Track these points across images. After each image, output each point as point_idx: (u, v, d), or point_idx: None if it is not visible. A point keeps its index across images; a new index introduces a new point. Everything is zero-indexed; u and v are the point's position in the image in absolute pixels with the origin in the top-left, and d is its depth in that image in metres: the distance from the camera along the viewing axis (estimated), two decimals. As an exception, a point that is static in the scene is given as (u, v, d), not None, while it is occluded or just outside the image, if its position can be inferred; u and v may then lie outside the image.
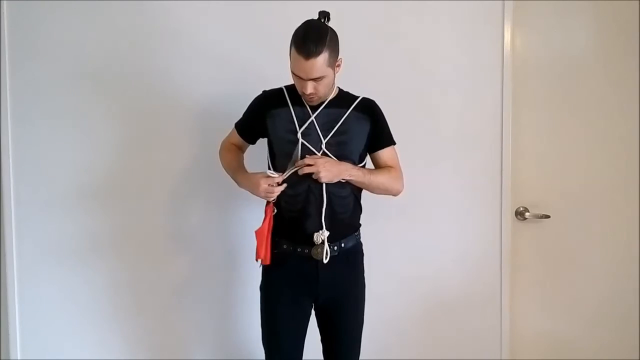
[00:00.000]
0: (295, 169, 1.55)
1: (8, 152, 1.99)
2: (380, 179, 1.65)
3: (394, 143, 1.72)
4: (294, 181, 1.57)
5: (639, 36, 2.14)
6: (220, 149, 1.77)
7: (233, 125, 1.74)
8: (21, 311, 2.03)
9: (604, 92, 2.16)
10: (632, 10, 2.14)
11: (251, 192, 1.59)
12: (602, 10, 2.15)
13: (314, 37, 1.47)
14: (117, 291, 2.04)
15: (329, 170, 1.54)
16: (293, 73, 1.52)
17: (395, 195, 1.72)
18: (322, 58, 1.47)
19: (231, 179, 1.73)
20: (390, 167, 1.70)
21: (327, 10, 1.56)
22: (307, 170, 1.53)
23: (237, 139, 1.73)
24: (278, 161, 1.62)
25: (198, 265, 2.05)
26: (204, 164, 1.97)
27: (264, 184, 1.54)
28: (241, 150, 1.77)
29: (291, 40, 1.50)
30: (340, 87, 1.68)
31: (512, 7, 2.07)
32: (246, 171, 1.69)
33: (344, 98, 1.65)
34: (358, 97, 1.67)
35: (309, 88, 1.51)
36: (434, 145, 2.09)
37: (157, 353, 2.06)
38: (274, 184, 1.54)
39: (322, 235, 1.56)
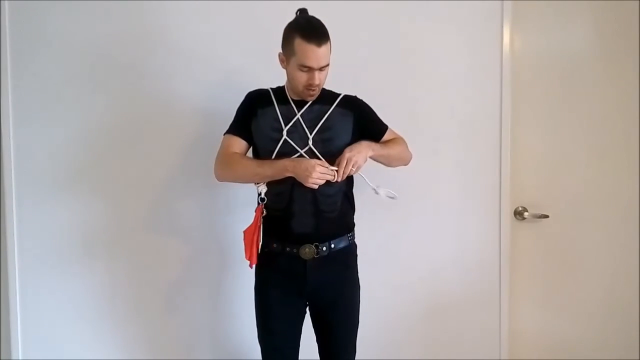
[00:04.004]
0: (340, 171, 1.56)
1: (9, 151, 1.99)
2: (396, 149, 1.71)
3: (387, 127, 1.74)
4: (278, 180, 1.57)
5: (639, 36, 2.14)
6: (220, 165, 1.66)
7: (223, 133, 1.68)
8: (22, 311, 2.04)
9: (603, 92, 2.15)
10: (632, 10, 2.14)
11: (297, 176, 1.52)
12: (602, 10, 2.14)
13: (320, 25, 1.51)
14: (116, 291, 2.05)
15: (359, 156, 1.57)
16: (301, 66, 1.50)
17: (408, 163, 1.79)
18: (329, 44, 1.51)
19: (233, 184, 1.72)
20: (395, 138, 1.75)
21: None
22: (349, 170, 1.55)
23: (236, 143, 1.65)
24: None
25: (195, 265, 2.05)
26: (199, 164, 1.97)
27: (319, 171, 1.51)
28: None
29: (293, 35, 1.50)
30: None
31: (511, 7, 2.07)
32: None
33: (327, 96, 1.65)
34: (340, 94, 1.68)
35: (317, 78, 1.52)
36: (433, 145, 2.09)
37: (156, 353, 2.06)
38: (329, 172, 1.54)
39: None
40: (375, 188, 1.67)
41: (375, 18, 2.04)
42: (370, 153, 1.62)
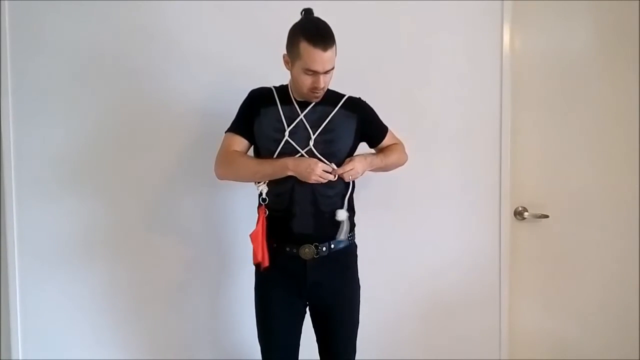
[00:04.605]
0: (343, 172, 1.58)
1: (10, 151, 1.99)
2: (392, 158, 1.76)
3: (387, 130, 1.76)
4: (279, 179, 1.58)
5: (639, 36, 2.14)
6: (220, 163, 1.66)
7: (224, 132, 1.68)
8: (22, 311, 2.04)
9: (603, 92, 2.15)
10: (632, 10, 2.14)
11: (298, 174, 1.54)
12: (602, 10, 2.14)
13: (326, 28, 1.51)
14: (116, 292, 2.05)
15: (359, 166, 1.62)
16: (306, 69, 1.50)
17: (403, 164, 1.83)
18: (335, 47, 1.51)
19: (234, 183, 1.72)
20: (392, 144, 1.78)
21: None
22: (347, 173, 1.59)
23: (237, 141, 1.64)
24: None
25: (195, 265, 2.05)
26: (199, 164, 1.97)
27: (321, 168, 1.53)
28: None
29: (299, 39, 1.48)
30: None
31: (511, 7, 2.07)
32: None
33: (330, 97, 1.64)
34: (344, 95, 1.68)
35: (322, 82, 1.52)
36: (433, 145, 2.09)
37: (156, 353, 2.06)
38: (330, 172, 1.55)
39: None
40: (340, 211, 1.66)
41: (375, 18, 2.04)
42: (368, 168, 1.67)
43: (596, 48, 2.16)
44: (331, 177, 1.56)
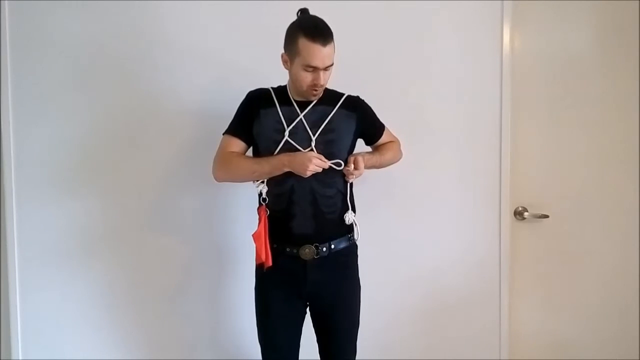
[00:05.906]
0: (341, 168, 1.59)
1: (9, 151, 1.99)
2: (387, 156, 1.78)
3: (384, 128, 1.78)
4: (278, 180, 1.58)
5: (639, 36, 2.14)
6: (218, 165, 1.66)
7: (222, 134, 1.68)
8: (22, 311, 2.04)
9: (603, 92, 2.15)
10: (632, 10, 2.14)
11: (294, 169, 1.53)
12: (602, 10, 2.14)
13: (324, 24, 1.51)
14: (116, 292, 2.05)
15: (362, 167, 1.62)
16: (306, 66, 1.50)
17: (397, 161, 1.85)
18: (333, 43, 1.51)
19: (234, 183, 1.72)
20: (389, 142, 1.80)
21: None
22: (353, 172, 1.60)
23: (235, 144, 1.65)
24: None
25: (195, 265, 2.06)
26: (199, 164, 1.96)
27: (315, 161, 1.51)
28: None
29: (297, 35, 1.49)
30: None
31: (511, 7, 2.07)
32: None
33: (330, 96, 1.65)
34: (343, 94, 1.68)
35: (322, 78, 1.52)
36: (433, 145, 2.09)
37: (156, 353, 2.07)
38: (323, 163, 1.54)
39: None
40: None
41: (374, 18, 2.04)
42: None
43: (596, 48, 2.16)
44: (325, 166, 1.55)
